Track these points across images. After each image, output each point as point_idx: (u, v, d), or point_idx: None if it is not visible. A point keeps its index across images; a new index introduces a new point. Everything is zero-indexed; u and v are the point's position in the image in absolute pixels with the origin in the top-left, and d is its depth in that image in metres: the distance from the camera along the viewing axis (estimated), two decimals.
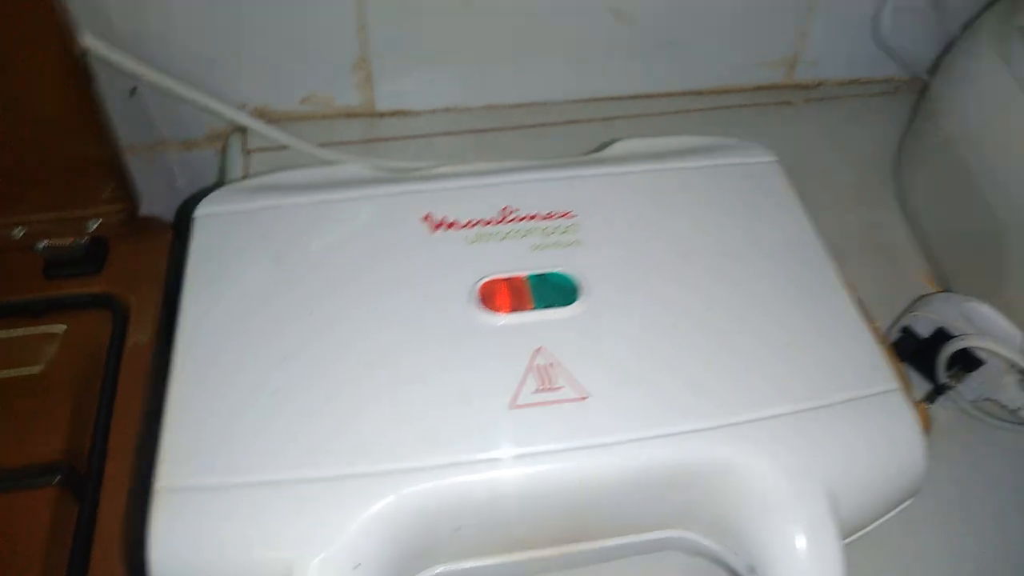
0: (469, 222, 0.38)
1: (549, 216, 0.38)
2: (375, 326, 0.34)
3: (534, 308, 0.34)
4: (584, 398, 0.31)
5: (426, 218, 0.38)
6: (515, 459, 0.30)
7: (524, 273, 0.35)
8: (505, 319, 0.34)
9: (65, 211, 0.55)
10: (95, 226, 0.55)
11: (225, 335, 0.34)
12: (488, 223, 0.38)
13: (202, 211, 0.39)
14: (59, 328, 0.54)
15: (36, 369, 0.53)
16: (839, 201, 0.55)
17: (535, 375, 0.32)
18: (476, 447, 0.30)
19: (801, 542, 0.30)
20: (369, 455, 0.30)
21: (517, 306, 0.34)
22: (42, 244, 0.54)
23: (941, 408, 0.45)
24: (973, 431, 0.44)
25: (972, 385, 0.43)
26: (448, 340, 0.33)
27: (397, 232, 0.37)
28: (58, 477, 0.45)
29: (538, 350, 0.33)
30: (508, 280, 0.35)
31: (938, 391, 0.44)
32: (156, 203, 0.58)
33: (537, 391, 0.32)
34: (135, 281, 0.54)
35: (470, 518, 0.30)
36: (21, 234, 0.54)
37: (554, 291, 0.35)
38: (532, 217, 0.38)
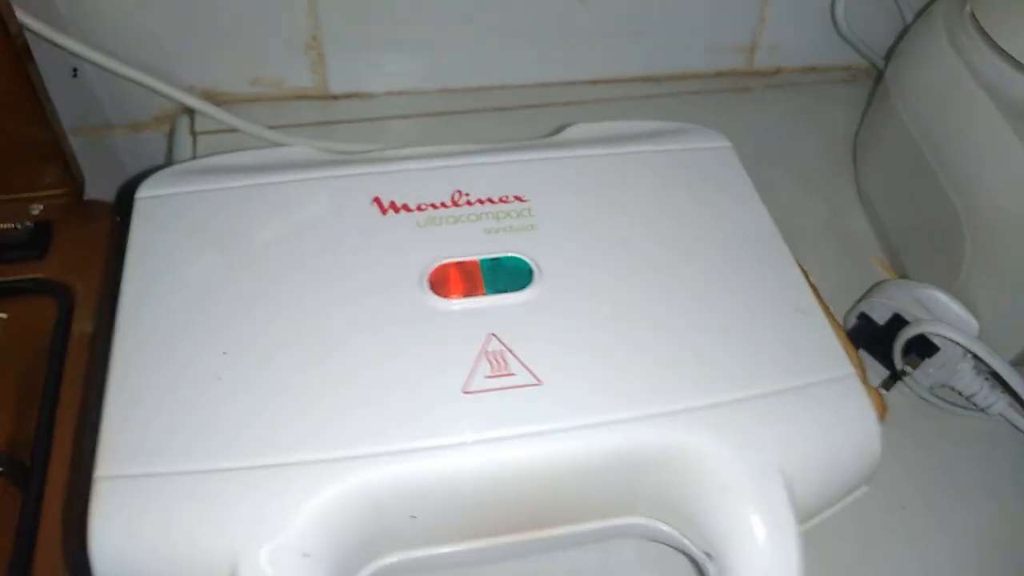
0: (420, 205, 0.37)
1: (502, 200, 0.37)
2: (323, 311, 0.33)
3: (486, 293, 0.33)
4: (537, 383, 0.31)
5: (375, 201, 0.37)
6: (469, 445, 0.29)
7: (476, 257, 0.35)
8: (456, 304, 0.33)
9: (6, 194, 0.53)
10: (38, 210, 0.53)
11: (167, 321, 0.33)
12: (439, 207, 0.37)
13: (144, 193, 0.38)
14: (2, 314, 0.52)
15: None
16: (797, 188, 0.55)
17: (487, 360, 0.31)
18: (428, 433, 0.29)
19: (758, 527, 0.29)
20: (318, 442, 0.29)
21: (469, 291, 0.34)
22: None
23: (898, 395, 0.45)
24: (930, 418, 0.44)
25: (928, 372, 0.43)
26: (398, 326, 0.32)
27: (346, 215, 0.36)
28: (0, 468, 0.43)
29: (490, 335, 0.32)
30: (460, 264, 0.34)
31: (895, 378, 0.44)
32: (103, 187, 0.57)
33: (489, 376, 0.31)
34: (80, 267, 0.53)
35: (425, 506, 0.29)
36: None
37: (507, 276, 0.34)
38: (484, 201, 0.37)
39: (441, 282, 0.34)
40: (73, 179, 0.53)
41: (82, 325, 0.50)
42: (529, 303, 0.33)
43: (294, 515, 0.28)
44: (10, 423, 0.49)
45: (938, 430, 0.44)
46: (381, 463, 0.29)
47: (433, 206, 0.37)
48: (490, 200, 0.37)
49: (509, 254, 0.35)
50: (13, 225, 0.53)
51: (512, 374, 0.31)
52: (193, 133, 0.55)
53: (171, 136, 0.56)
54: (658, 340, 0.33)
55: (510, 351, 0.32)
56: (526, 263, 0.34)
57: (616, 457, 0.30)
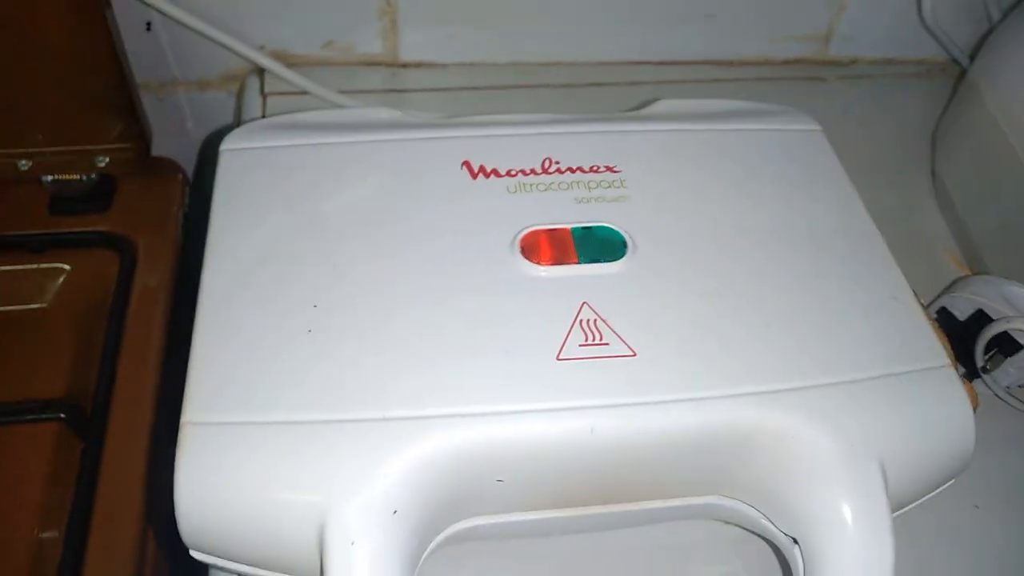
0: (509, 171, 0.36)
1: (593, 170, 0.36)
2: (414, 270, 0.32)
3: (579, 262, 0.33)
4: (632, 355, 0.30)
5: (465, 164, 0.36)
6: (561, 411, 0.29)
7: (568, 225, 0.34)
8: (547, 271, 0.33)
9: (73, 145, 0.53)
10: (104, 163, 0.53)
11: (255, 271, 0.32)
12: (529, 173, 0.36)
13: (229, 145, 0.37)
14: (64, 265, 0.52)
15: (39, 306, 0.52)
16: (869, 181, 0.53)
17: (581, 329, 0.31)
18: (521, 397, 0.29)
19: (850, 513, 0.29)
20: (410, 400, 0.28)
21: (560, 258, 0.33)
22: (49, 178, 0.53)
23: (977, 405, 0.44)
24: (1005, 418, 0.43)
25: (1008, 371, 0.42)
26: (489, 289, 0.32)
27: (435, 177, 0.36)
28: (62, 414, 0.44)
29: (583, 304, 0.32)
30: (551, 232, 0.34)
31: (972, 375, 0.43)
32: (165, 145, 0.56)
33: (583, 345, 0.30)
34: (144, 222, 0.53)
35: (512, 469, 0.29)
36: (27, 166, 0.53)
37: (599, 245, 0.33)
38: (575, 170, 0.36)
39: (532, 248, 0.33)
40: (141, 133, 0.53)
41: (145, 279, 0.51)
42: (623, 274, 0.33)
43: (384, 471, 0.27)
44: (72, 374, 0.50)
45: (1013, 430, 0.43)
46: (472, 424, 0.28)
47: (523, 172, 0.36)
48: (580, 169, 0.36)
49: (601, 224, 0.34)
50: (78, 177, 0.53)
51: (606, 343, 0.30)
52: (263, 93, 0.54)
53: (240, 96, 0.56)
54: (754, 320, 0.32)
55: (604, 321, 0.31)
56: (619, 234, 0.34)
57: (708, 434, 0.30)
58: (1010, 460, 0.42)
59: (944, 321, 0.43)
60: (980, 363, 0.42)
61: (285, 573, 0.29)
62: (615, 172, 0.37)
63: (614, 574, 0.35)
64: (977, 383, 0.43)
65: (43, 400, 0.44)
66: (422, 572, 0.29)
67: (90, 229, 0.52)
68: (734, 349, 0.31)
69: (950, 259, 0.50)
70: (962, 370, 0.44)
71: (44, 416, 0.44)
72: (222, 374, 0.29)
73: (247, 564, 0.29)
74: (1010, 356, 0.41)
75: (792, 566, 0.31)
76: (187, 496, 0.28)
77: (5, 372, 0.49)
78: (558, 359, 0.30)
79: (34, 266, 0.52)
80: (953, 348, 0.42)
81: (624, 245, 0.34)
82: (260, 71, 0.56)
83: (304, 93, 0.54)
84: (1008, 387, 0.43)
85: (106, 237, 0.52)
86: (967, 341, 0.42)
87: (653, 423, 0.29)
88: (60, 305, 0.52)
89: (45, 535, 0.43)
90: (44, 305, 0.52)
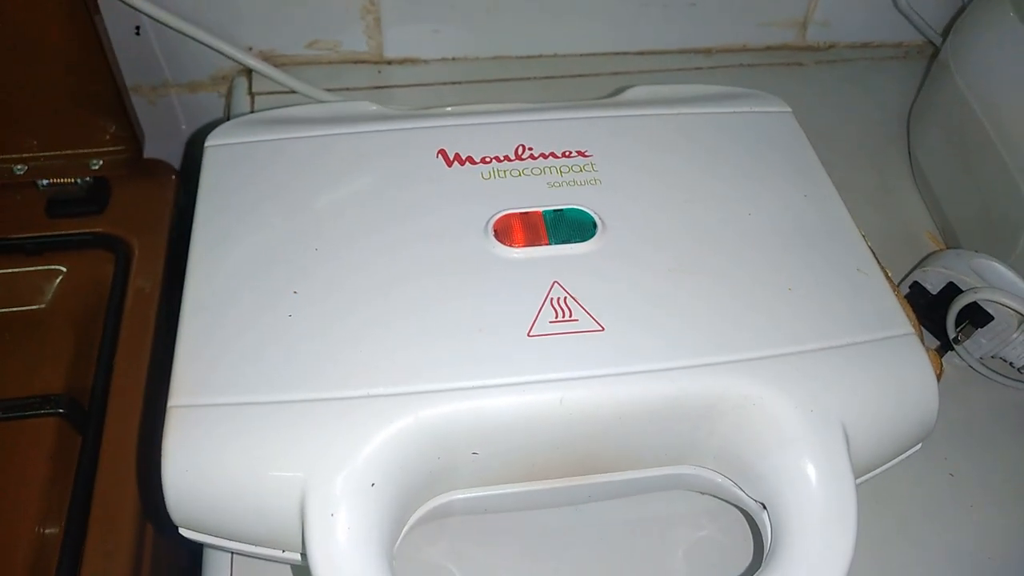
0: (484, 158, 0.37)
1: (565, 155, 0.38)
2: (391, 255, 0.33)
3: (550, 243, 0.34)
4: (600, 330, 0.31)
5: (441, 153, 0.37)
6: (532, 385, 0.30)
7: (540, 208, 0.35)
8: (520, 252, 0.34)
9: (67, 149, 0.54)
10: (98, 166, 0.54)
11: (238, 261, 0.33)
12: (503, 160, 0.37)
13: (213, 141, 0.38)
14: (61, 267, 0.53)
15: (37, 306, 0.53)
16: (848, 162, 0.55)
17: (551, 306, 0.32)
18: (495, 372, 0.30)
19: (815, 476, 0.30)
20: (387, 378, 0.30)
21: (532, 241, 0.34)
22: (45, 182, 0.54)
23: (948, 366, 0.45)
24: (980, 388, 0.44)
25: (980, 342, 0.43)
26: (463, 271, 0.33)
27: (411, 165, 0.37)
28: (61, 409, 0.45)
29: (554, 283, 0.33)
30: (523, 215, 0.35)
31: (946, 347, 0.44)
32: (158, 147, 0.58)
33: (553, 321, 0.31)
34: (138, 223, 0.54)
35: (487, 442, 0.30)
36: (23, 171, 0.54)
37: (570, 227, 0.34)
38: (548, 155, 0.38)
39: (505, 231, 0.34)
40: (134, 136, 0.54)
41: (140, 279, 0.52)
42: (592, 254, 0.34)
43: (362, 446, 0.28)
44: (69, 372, 0.51)
45: (988, 401, 0.44)
46: (447, 399, 0.29)
47: (497, 159, 0.37)
48: (553, 155, 0.37)
49: (572, 206, 0.35)
50: (73, 180, 0.55)
51: (575, 320, 0.32)
52: (251, 93, 0.55)
53: (229, 96, 0.57)
54: (720, 293, 0.33)
55: (574, 298, 0.32)
56: (589, 215, 0.35)
57: (675, 403, 0.31)
58: (984, 429, 0.43)
59: (916, 295, 0.44)
60: (952, 334, 0.43)
61: (270, 547, 0.30)
62: (586, 156, 0.38)
63: (595, 550, 0.36)
64: (952, 355, 0.44)
65: (42, 396, 0.46)
66: (403, 549, 0.30)
67: (86, 231, 0.54)
68: (700, 321, 0.32)
69: (927, 236, 0.51)
70: (935, 343, 0.45)
71: (44, 411, 0.45)
72: (206, 360, 0.31)
73: (233, 540, 0.30)
74: (981, 327, 0.42)
75: (762, 531, 0.32)
76: (173, 477, 0.29)
77: (5, 371, 0.50)
78: (529, 335, 0.31)
79: (32, 268, 0.53)
80: (926, 321, 0.43)
81: (594, 226, 0.35)
82: (248, 71, 0.57)
83: (291, 92, 0.55)
84: (981, 358, 0.44)
85: (102, 238, 0.53)
86: (939, 314, 0.43)
87: (620, 393, 0.30)
88: (58, 305, 0.54)
89: (46, 526, 0.44)
90: (42, 306, 0.53)
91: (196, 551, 0.37)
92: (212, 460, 0.29)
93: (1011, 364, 0.43)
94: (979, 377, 0.44)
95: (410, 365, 0.30)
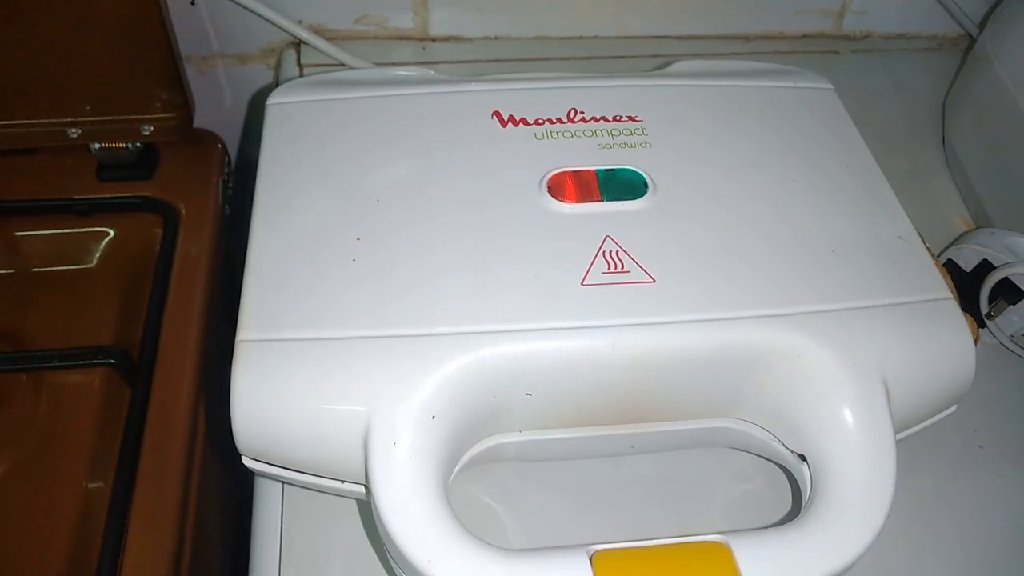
0: (537, 120, 0.39)
1: (616, 119, 0.39)
2: (449, 207, 0.35)
3: (602, 200, 0.35)
4: (651, 281, 0.33)
5: (495, 114, 0.39)
6: (586, 330, 0.31)
7: (592, 167, 0.36)
8: (573, 208, 0.35)
9: (121, 115, 0.56)
10: (149, 131, 0.56)
11: (302, 208, 0.35)
12: (556, 122, 0.39)
13: (275, 99, 0.40)
14: (109, 229, 0.55)
15: (86, 266, 0.55)
16: (881, 148, 0.55)
17: (604, 259, 0.33)
18: (549, 316, 0.31)
19: (855, 426, 0.31)
20: (447, 318, 0.31)
21: (585, 197, 0.35)
22: (97, 146, 0.55)
23: (980, 342, 0.46)
24: (1011, 365, 0.45)
25: (1012, 319, 0.44)
26: (519, 223, 0.34)
27: (467, 125, 0.38)
28: (112, 360, 0.46)
29: (606, 237, 0.34)
30: (576, 173, 0.36)
31: (979, 324, 0.45)
32: (204, 118, 0.59)
33: (606, 272, 0.33)
34: (186, 189, 0.55)
35: (539, 383, 0.31)
36: (77, 135, 0.55)
37: (622, 186, 0.36)
38: (599, 119, 0.39)
39: (559, 188, 0.36)
40: (185, 104, 0.56)
41: (187, 242, 0.53)
42: (643, 211, 0.35)
43: (424, 380, 0.30)
44: (116, 329, 0.52)
45: (1018, 376, 0.45)
46: (503, 339, 0.31)
47: (550, 121, 0.38)
48: (604, 118, 0.39)
49: (624, 167, 0.36)
50: (124, 145, 0.56)
51: (627, 271, 0.33)
52: (300, 64, 0.57)
53: (278, 67, 0.58)
54: (766, 252, 0.34)
55: (625, 252, 0.33)
56: (640, 175, 0.36)
57: (721, 353, 0.32)
58: (1014, 405, 0.44)
59: (951, 273, 0.45)
60: (985, 310, 0.43)
61: (331, 477, 0.32)
62: (636, 121, 0.39)
63: (634, 501, 0.37)
64: (984, 333, 0.45)
65: (95, 346, 0.47)
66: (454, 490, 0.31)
67: (135, 195, 0.55)
68: (746, 277, 0.33)
69: (958, 219, 0.52)
70: (976, 326, 0.46)
71: (96, 361, 0.47)
72: (273, 298, 0.32)
73: (295, 469, 0.32)
74: (1013, 304, 0.43)
75: (800, 484, 0.33)
76: (242, 407, 0.30)
77: (54, 327, 0.52)
78: (582, 284, 0.32)
79: (82, 229, 0.55)
80: (959, 298, 0.44)
81: (645, 185, 0.36)
82: (297, 44, 0.58)
83: (339, 64, 0.56)
84: (1012, 336, 0.44)
85: (150, 202, 0.55)
86: (972, 291, 0.44)
87: (669, 341, 0.31)
88: (105, 266, 0.55)
89: (94, 477, 0.46)
90: (90, 266, 0.55)
91: (243, 503, 0.38)
92: (279, 391, 0.30)
93: None
94: (1010, 355, 0.45)
95: (469, 307, 0.31)
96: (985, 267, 0.44)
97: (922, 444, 0.41)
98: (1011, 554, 0.38)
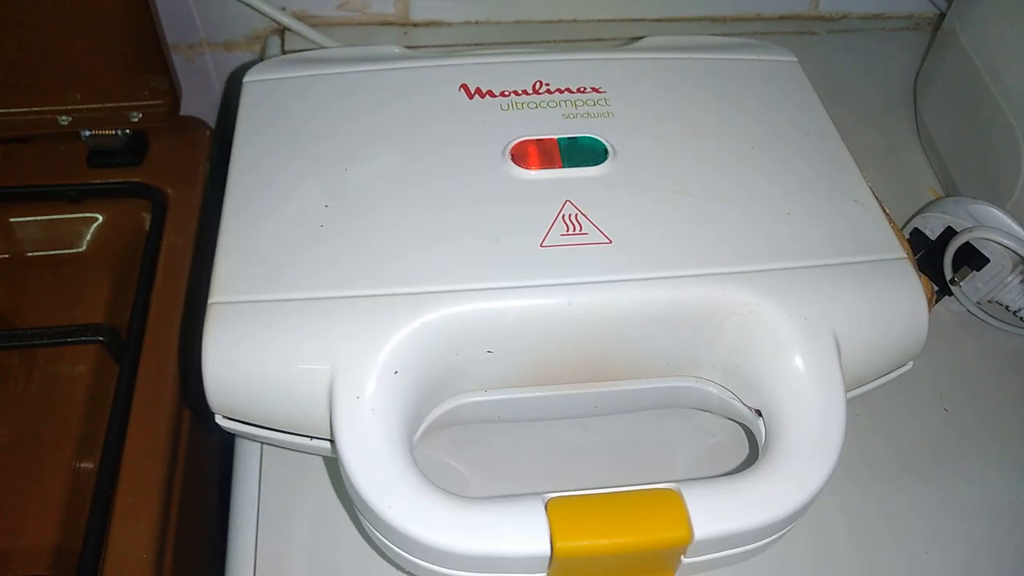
0: (503, 92, 0.40)
1: (580, 90, 0.40)
2: (415, 175, 0.36)
3: (563, 167, 0.36)
4: (608, 242, 0.34)
5: (462, 87, 0.40)
6: (544, 288, 0.32)
7: (555, 136, 0.37)
8: (535, 174, 0.36)
9: (110, 102, 0.57)
10: (137, 118, 0.57)
11: (274, 177, 0.36)
12: (521, 93, 0.40)
13: (252, 77, 0.41)
14: (99, 215, 0.56)
15: (76, 250, 0.56)
16: (855, 123, 0.57)
17: (563, 222, 0.34)
18: (508, 275, 0.32)
19: (806, 379, 0.32)
20: (410, 278, 0.32)
21: (547, 164, 0.36)
22: (87, 133, 0.57)
23: (946, 310, 0.46)
24: (976, 332, 0.46)
25: (977, 285, 0.44)
26: (482, 189, 0.35)
27: (435, 97, 0.39)
28: (101, 337, 0.47)
29: (566, 201, 0.35)
30: (539, 141, 0.37)
31: (944, 291, 0.46)
32: (193, 105, 0.60)
33: (564, 235, 0.34)
34: (174, 174, 0.57)
35: (501, 341, 0.32)
36: (68, 122, 0.56)
37: (583, 153, 0.37)
38: (563, 90, 0.40)
39: (521, 155, 0.37)
40: (172, 91, 0.57)
41: (175, 226, 0.54)
42: (603, 177, 0.36)
43: (386, 337, 0.31)
44: (105, 311, 0.54)
45: (982, 343, 0.46)
46: (464, 298, 0.32)
47: (515, 92, 0.40)
48: (568, 90, 0.40)
49: (586, 135, 0.38)
50: (113, 132, 0.57)
51: (585, 233, 0.34)
52: (284, 51, 0.58)
53: (262, 54, 0.60)
54: (722, 215, 0.35)
55: (584, 215, 0.34)
56: (601, 143, 0.37)
57: (677, 310, 0.33)
58: (978, 370, 0.44)
59: (917, 242, 0.46)
60: (949, 275, 0.44)
61: (301, 433, 0.33)
62: (600, 93, 0.40)
63: (606, 462, 0.39)
64: (950, 300, 0.46)
65: (84, 324, 0.48)
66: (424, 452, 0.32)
67: (125, 180, 0.56)
68: (702, 237, 0.34)
69: (929, 191, 0.53)
70: (935, 288, 0.46)
71: (85, 338, 0.48)
72: (243, 263, 0.33)
73: (265, 426, 0.33)
74: (977, 270, 0.44)
75: (757, 439, 0.34)
76: (213, 366, 0.31)
77: (45, 308, 0.53)
78: (542, 246, 0.33)
79: (73, 215, 0.56)
80: (926, 268, 0.45)
81: (605, 152, 0.37)
82: (281, 31, 0.59)
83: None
84: (978, 302, 0.45)
85: (139, 188, 0.56)
86: (938, 260, 0.45)
87: (623, 298, 0.32)
88: (95, 250, 0.56)
89: (82, 453, 0.47)
90: (81, 250, 0.56)
91: (227, 479, 0.39)
92: (248, 350, 0.31)
93: (1007, 308, 0.45)
94: (976, 321, 0.46)
95: (431, 267, 0.32)
96: (949, 234, 0.45)
97: (888, 408, 0.42)
98: (973, 513, 0.39)
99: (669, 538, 0.28)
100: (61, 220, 0.56)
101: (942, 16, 0.62)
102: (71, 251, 0.56)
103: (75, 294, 0.54)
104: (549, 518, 0.28)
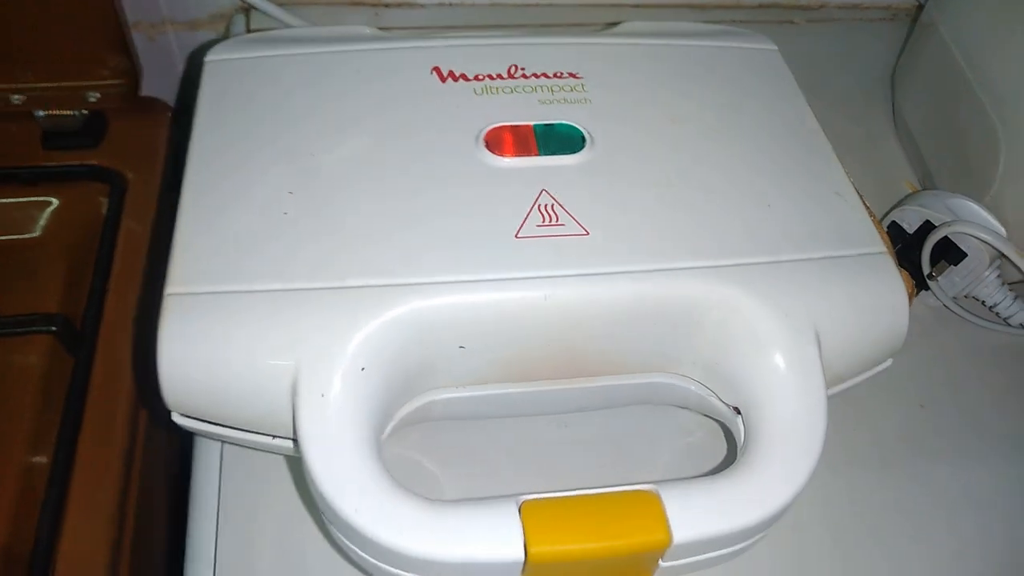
0: (477, 76, 0.38)
1: (557, 75, 0.39)
2: (384, 161, 0.34)
3: (539, 155, 0.35)
4: (585, 234, 0.32)
5: (435, 70, 0.38)
6: (519, 281, 0.31)
7: (531, 122, 0.36)
8: (510, 162, 0.35)
9: (66, 81, 0.55)
10: (95, 99, 0.55)
11: (236, 162, 0.34)
12: (496, 78, 0.38)
13: (214, 56, 0.39)
14: (54, 198, 0.54)
15: (30, 235, 0.54)
16: (833, 114, 0.55)
17: (539, 212, 0.33)
18: (482, 268, 0.31)
19: (786, 376, 0.31)
20: (378, 269, 0.31)
21: (522, 151, 0.35)
22: (42, 113, 0.54)
23: (923, 305, 0.46)
24: (953, 327, 0.45)
25: (954, 280, 0.44)
26: (455, 177, 0.34)
27: (406, 80, 0.38)
28: (54, 327, 0.45)
29: (542, 191, 0.34)
30: (514, 128, 0.36)
31: (922, 285, 0.45)
32: (154, 86, 0.58)
33: (540, 225, 0.32)
34: (133, 157, 0.55)
35: (474, 336, 0.31)
36: (21, 101, 0.54)
37: (559, 140, 0.36)
38: (540, 75, 0.39)
39: (496, 142, 0.35)
40: (132, 70, 0.55)
41: (134, 210, 0.53)
42: (580, 166, 0.35)
43: (353, 332, 0.29)
44: (61, 300, 0.52)
45: (958, 338, 0.45)
46: (435, 291, 0.30)
47: (490, 77, 0.38)
48: (545, 75, 0.39)
49: (562, 121, 0.36)
50: (70, 112, 0.55)
51: (561, 224, 0.33)
52: (249, 31, 0.56)
53: (227, 33, 0.58)
54: (701, 206, 0.34)
55: (560, 205, 0.33)
56: (578, 130, 0.36)
57: (655, 305, 0.32)
58: (954, 365, 0.44)
59: (895, 236, 0.46)
60: (927, 269, 0.44)
61: (262, 432, 0.31)
62: (577, 78, 0.39)
63: (584, 462, 0.37)
64: (927, 295, 0.46)
65: (37, 314, 0.46)
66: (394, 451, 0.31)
67: (81, 163, 0.54)
68: (681, 230, 0.33)
69: (906, 184, 0.52)
70: (912, 282, 0.46)
71: (37, 328, 0.46)
72: (202, 252, 0.32)
73: (225, 424, 0.31)
74: (955, 265, 0.43)
75: (736, 437, 0.33)
76: (168, 362, 0.30)
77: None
78: (517, 237, 0.32)
79: (27, 199, 0.54)
80: (904, 262, 0.45)
81: (583, 140, 0.36)
82: (247, 10, 0.57)
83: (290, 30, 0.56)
84: (955, 297, 0.45)
85: (97, 170, 0.54)
86: (916, 254, 0.44)
87: (601, 292, 0.31)
88: (50, 236, 0.54)
89: (36, 448, 0.45)
90: (35, 235, 0.54)
91: (187, 475, 0.38)
92: (207, 344, 0.30)
93: (983, 303, 0.44)
94: (953, 317, 0.46)
95: (401, 258, 0.31)
96: (927, 228, 0.44)
97: (865, 403, 0.41)
98: (952, 508, 0.39)
99: (647, 542, 0.28)
100: (13, 204, 0.54)
101: (921, 7, 0.61)
102: (24, 236, 0.54)
103: (28, 282, 0.52)
104: (523, 522, 0.27)
